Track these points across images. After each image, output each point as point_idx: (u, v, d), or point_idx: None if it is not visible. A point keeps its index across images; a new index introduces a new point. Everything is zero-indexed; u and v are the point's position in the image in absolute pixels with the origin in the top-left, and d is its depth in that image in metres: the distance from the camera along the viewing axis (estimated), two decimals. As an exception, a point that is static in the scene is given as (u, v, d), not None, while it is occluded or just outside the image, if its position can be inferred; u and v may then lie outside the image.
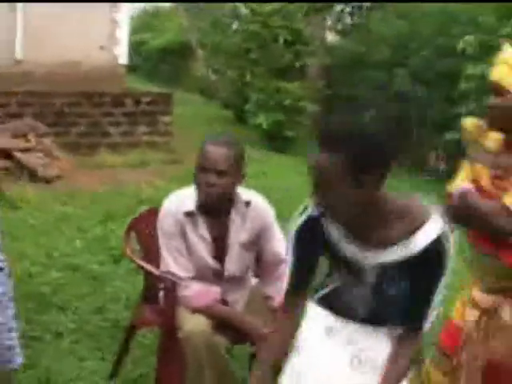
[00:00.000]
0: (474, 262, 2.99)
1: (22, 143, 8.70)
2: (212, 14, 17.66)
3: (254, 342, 3.40)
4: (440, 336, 3.14)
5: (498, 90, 2.78)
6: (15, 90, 9.48)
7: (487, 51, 8.22)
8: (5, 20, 9.73)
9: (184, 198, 3.45)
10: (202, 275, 3.44)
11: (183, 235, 3.43)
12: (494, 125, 2.85)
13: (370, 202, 2.33)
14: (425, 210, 2.41)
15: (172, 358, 3.41)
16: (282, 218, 3.38)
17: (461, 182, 2.94)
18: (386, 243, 2.42)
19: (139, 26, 20.41)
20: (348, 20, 16.33)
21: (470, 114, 2.91)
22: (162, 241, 3.46)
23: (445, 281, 2.44)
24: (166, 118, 11.00)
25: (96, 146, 9.97)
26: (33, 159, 8.44)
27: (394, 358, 2.50)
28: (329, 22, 15.97)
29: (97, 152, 9.81)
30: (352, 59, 13.92)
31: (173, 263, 3.41)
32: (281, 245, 3.52)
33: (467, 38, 9.29)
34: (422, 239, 2.38)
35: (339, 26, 16.19)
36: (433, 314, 2.48)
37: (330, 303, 2.66)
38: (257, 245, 3.56)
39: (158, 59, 20.10)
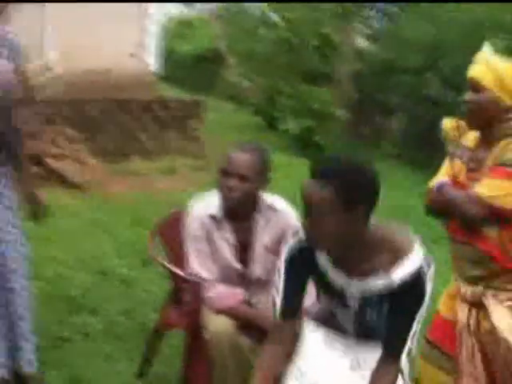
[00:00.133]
0: (453, 251, 3.11)
1: (53, 149, 8.82)
2: (243, 21, 17.75)
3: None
4: (428, 329, 3.22)
5: (475, 86, 2.95)
6: (47, 97, 9.61)
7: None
8: (37, 29, 9.87)
9: (210, 202, 3.52)
10: (226, 278, 3.51)
11: (209, 238, 3.50)
12: (470, 120, 2.99)
13: (355, 234, 2.45)
14: (407, 242, 2.52)
15: (198, 359, 3.48)
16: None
17: (440, 178, 3.08)
18: (368, 274, 2.53)
19: (171, 34, 20.54)
20: (377, 25, 16.32)
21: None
22: (187, 244, 3.53)
23: (423, 310, 2.54)
24: (197, 125, 11.06)
25: (127, 152, 10.06)
26: (64, 165, 8.56)
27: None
28: (358, 28, 15.96)
29: (127, 158, 9.91)
30: (381, 64, 13.93)
31: (198, 265, 3.48)
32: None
33: (492, 41, 9.29)
34: (402, 271, 2.48)
35: (369, 32, 16.18)
36: (412, 341, 2.58)
37: (325, 322, 2.78)
38: (281, 248, 3.61)
39: (189, 66, 20.20)
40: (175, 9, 22.47)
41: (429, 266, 2.52)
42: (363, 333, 2.72)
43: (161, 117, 10.65)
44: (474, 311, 3.03)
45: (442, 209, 3.04)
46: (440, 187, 3.03)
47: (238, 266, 3.54)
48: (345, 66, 13.92)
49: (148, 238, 3.95)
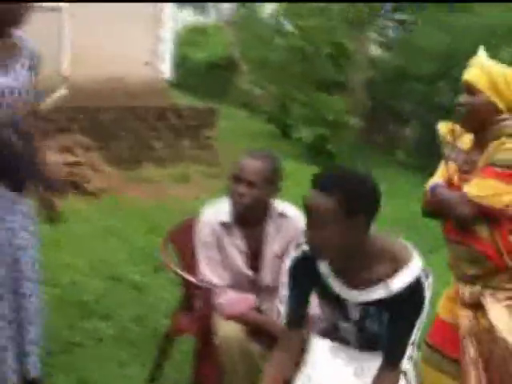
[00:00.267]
0: (449, 252, 3.16)
1: (68, 157, 8.89)
2: (256, 28, 17.81)
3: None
4: (428, 332, 3.25)
5: (469, 89, 3.01)
6: (63, 105, 9.67)
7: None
8: (52, 38, 9.94)
9: (221, 209, 3.56)
10: (237, 284, 3.54)
11: (219, 245, 3.54)
12: (464, 123, 3.07)
13: (356, 244, 2.52)
14: (406, 253, 2.59)
15: (208, 364, 3.51)
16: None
17: (435, 180, 3.15)
18: (368, 283, 2.59)
19: (184, 42, 20.61)
20: (391, 33, 16.34)
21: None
22: (199, 250, 3.57)
23: (423, 318, 2.60)
24: (210, 132, 11.11)
25: (141, 159, 10.12)
26: (79, 173, 8.62)
27: None
28: (372, 36, 15.99)
29: (141, 166, 9.96)
30: (395, 73, 13.95)
31: (209, 272, 3.52)
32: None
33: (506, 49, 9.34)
34: (401, 281, 2.54)
35: (382, 40, 16.21)
36: (412, 348, 2.64)
37: (328, 335, 2.84)
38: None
39: (202, 74, 20.27)
40: (189, 16, 22.56)
41: (427, 276, 2.58)
42: (365, 344, 2.77)
43: (175, 125, 10.70)
44: (473, 312, 3.06)
45: (436, 210, 3.11)
46: (433, 189, 3.10)
47: (248, 272, 3.57)
48: (358, 74, 13.96)
49: (161, 244, 3.98)
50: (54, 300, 4.65)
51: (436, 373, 3.18)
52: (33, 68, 3.19)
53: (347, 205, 2.43)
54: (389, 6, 15.27)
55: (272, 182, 3.48)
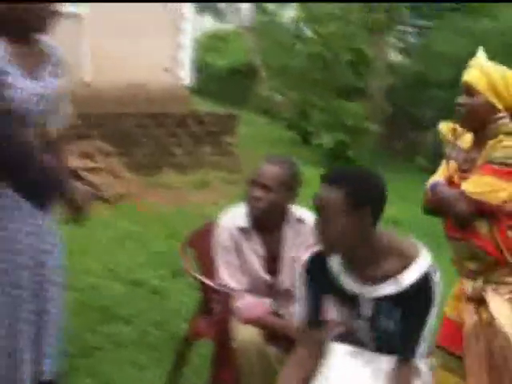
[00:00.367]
0: (451, 249, 3.23)
1: (89, 163, 8.96)
2: (276, 35, 17.86)
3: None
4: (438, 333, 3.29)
5: (469, 90, 3.09)
6: (84, 111, 9.75)
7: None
8: (73, 45, 10.03)
9: (239, 214, 3.60)
10: (255, 288, 3.57)
11: (238, 249, 3.57)
12: (464, 122, 3.14)
13: (363, 237, 2.61)
14: (414, 248, 2.67)
15: (225, 367, 3.54)
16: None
17: (435, 178, 3.22)
18: (378, 279, 2.66)
19: (204, 48, 20.69)
20: (410, 39, 16.34)
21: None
22: (217, 255, 3.60)
23: (434, 313, 2.67)
24: (230, 139, 11.16)
25: (161, 166, 10.17)
26: (100, 179, 8.69)
27: None
28: (391, 42, 16.00)
29: (162, 172, 10.02)
30: (415, 78, 13.94)
31: (227, 276, 3.55)
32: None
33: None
34: (411, 275, 2.62)
35: (402, 46, 16.21)
36: (425, 345, 2.70)
37: (345, 339, 2.87)
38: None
39: (222, 80, 20.34)
40: (209, 23, 22.64)
41: (435, 271, 2.65)
42: (379, 344, 2.79)
43: (195, 131, 10.75)
44: (475, 307, 3.13)
45: (436, 208, 3.19)
46: (434, 187, 3.18)
47: (266, 277, 3.61)
48: (378, 80, 13.96)
49: (180, 249, 4.02)
50: (75, 304, 4.70)
51: (443, 372, 3.22)
52: (60, 75, 3.23)
53: (354, 197, 2.55)
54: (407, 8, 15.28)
55: (289, 187, 3.51)
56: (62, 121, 3.27)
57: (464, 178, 3.11)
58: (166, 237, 6.96)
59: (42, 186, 2.74)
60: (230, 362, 3.42)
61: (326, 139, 12.70)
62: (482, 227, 3.05)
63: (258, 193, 3.45)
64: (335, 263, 2.76)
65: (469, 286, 3.15)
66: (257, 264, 3.59)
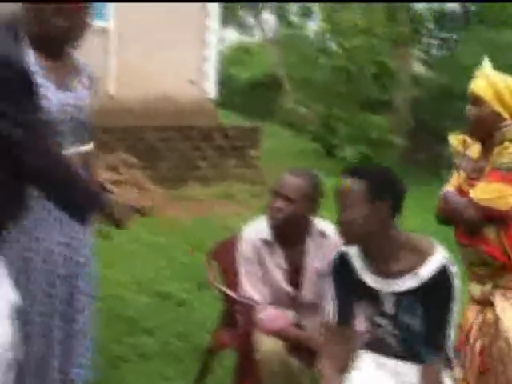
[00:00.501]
0: (461, 255, 3.29)
1: (114, 176, 9.01)
2: (300, 47, 17.91)
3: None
4: None
5: (475, 100, 3.17)
6: (109, 124, 9.84)
7: None
8: (99, 57, 10.14)
9: (262, 227, 3.63)
10: (278, 300, 3.61)
11: (261, 262, 3.61)
12: (471, 132, 3.23)
13: (381, 229, 2.74)
14: (430, 244, 2.78)
15: (249, 379, 3.57)
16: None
17: (447, 188, 3.30)
18: (398, 273, 2.77)
19: (228, 61, 20.79)
20: (434, 51, 16.32)
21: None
22: (240, 267, 3.65)
23: (456, 308, 2.75)
24: (254, 152, 11.21)
25: (186, 178, 10.24)
26: (124, 191, 8.75)
27: None
28: (415, 54, 15.98)
29: (186, 184, 10.09)
30: (439, 91, 13.91)
31: (250, 288, 3.59)
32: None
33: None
34: (429, 268, 2.72)
35: (426, 58, 16.19)
36: (450, 339, 2.78)
37: (371, 346, 2.96)
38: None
39: (246, 93, 20.40)
40: (233, 35, 22.72)
41: (452, 264, 2.75)
42: (405, 346, 2.85)
43: (220, 144, 10.80)
44: (481, 307, 3.20)
45: (447, 216, 3.27)
46: (445, 196, 3.26)
47: (288, 289, 3.64)
48: (402, 92, 13.95)
49: (204, 261, 4.07)
50: (101, 315, 4.75)
51: None
52: (91, 88, 3.29)
53: (373, 189, 2.72)
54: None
55: (311, 199, 3.55)
56: (91, 133, 3.34)
57: (472, 186, 3.18)
58: (192, 249, 7.00)
59: (83, 201, 2.77)
60: (253, 374, 3.45)
61: (350, 152, 12.70)
62: (491, 233, 3.12)
63: (279, 203, 3.50)
64: (357, 261, 2.89)
65: (477, 290, 3.22)
66: (279, 276, 3.63)
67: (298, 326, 3.59)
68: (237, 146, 10.96)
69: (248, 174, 10.86)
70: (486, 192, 3.08)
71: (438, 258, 2.74)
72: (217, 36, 11.80)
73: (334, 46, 14.77)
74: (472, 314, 3.24)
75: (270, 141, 13.03)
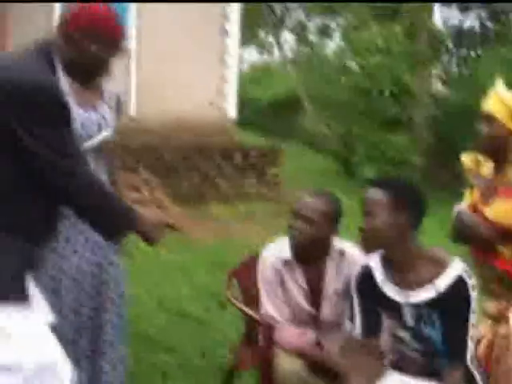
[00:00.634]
0: (476, 272, 3.26)
1: (134, 195, 9.06)
2: (320, 67, 17.96)
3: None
4: None
5: (488, 119, 3.20)
6: (129, 144, 9.91)
7: None
8: (119, 77, 10.21)
9: (282, 246, 3.66)
10: (298, 320, 3.63)
11: (281, 281, 3.63)
12: (484, 151, 3.27)
13: (402, 235, 2.91)
14: (447, 255, 2.92)
15: (269, 398, 3.59)
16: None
17: (461, 206, 3.35)
18: (416, 284, 2.89)
19: (248, 81, 20.88)
20: (455, 70, 16.31)
21: None
22: (261, 286, 3.67)
23: (474, 318, 2.86)
24: (275, 171, 11.23)
25: (206, 197, 10.28)
26: (144, 210, 8.78)
27: None
28: (434, 72, 15.96)
29: (207, 204, 10.12)
30: (458, 109, 13.88)
31: (271, 307, 3.61)
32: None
33: None
34: (447, 279, 2.84)
35: (445, 77, 16.17)
36: (471, 351, 2.86)
37: (395, 364, 3.03)
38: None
39: (266, 113, 20.45)
40: (253, 55, 22.83)
41: (469, 275, 2.87)
42: (426, 360, 2.89)
43: (239, 164, 10.84)
44: (494, 323, 3.22)
45: (461, 234, 3.31)
46: (459, 215, 3.31)
47: (309, 308, 3.65)
48: (422, 111, 13.94)
49: (225, 281, 4.10)
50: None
51: None
52: (117, 110, 3.36)
53: (396, 199, 2.95)
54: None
55: (331, 220, 3.56)
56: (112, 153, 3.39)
57: (486, 205, 3.21)
58: (212, 268, 7.04)
59: (116, 221, 2.78)
60: (274, 393, 3.47)
61: (370, 171, 12.68)
62: (505, 250, 3.14)
63: (300, 225, 3.52)
64: (379, 273, 3.02)
65: (493, 306, 3.24)
66: (300, 296, 3.64)
67: (318, 344, 3.60)
68: (257, 165, 10.99)
69: (268, 194, 10.89)
70: (499, 210, 3.12)
71: (455, 267, 2.86)
72: (236, 56, 11.87)
73: (353, 66, 14.79)
74: (484, 328, 3.26)
75: (291, 160, 13.05)
